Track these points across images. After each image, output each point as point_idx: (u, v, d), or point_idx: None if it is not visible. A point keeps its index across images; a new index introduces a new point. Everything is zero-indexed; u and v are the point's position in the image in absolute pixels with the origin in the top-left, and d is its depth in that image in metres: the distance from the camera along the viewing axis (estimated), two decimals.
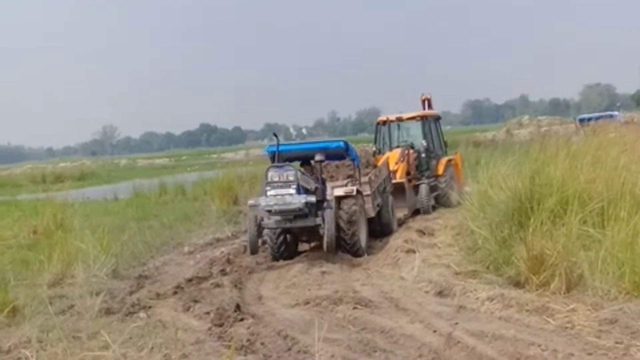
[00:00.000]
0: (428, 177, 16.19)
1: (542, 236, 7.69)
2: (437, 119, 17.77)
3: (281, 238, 11.25)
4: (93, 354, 6.12)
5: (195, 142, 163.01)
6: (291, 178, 10.52)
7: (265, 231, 11.27)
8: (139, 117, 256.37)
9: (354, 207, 11.14)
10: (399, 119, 16.93)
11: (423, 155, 16.48)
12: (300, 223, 10.85)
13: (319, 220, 10.76)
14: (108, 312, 8.22)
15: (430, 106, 17.70)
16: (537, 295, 7.39)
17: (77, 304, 8.20)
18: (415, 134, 16.85)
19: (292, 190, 10.48)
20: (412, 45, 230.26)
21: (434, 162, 16.66)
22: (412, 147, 16.33)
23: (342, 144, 12.02)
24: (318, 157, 11.34)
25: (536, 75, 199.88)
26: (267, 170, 10.73)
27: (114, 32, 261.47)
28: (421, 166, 16.40)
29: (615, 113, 31.13)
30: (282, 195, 10.48)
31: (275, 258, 11.26)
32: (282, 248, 11.28)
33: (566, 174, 8.76)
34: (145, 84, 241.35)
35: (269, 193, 10.57)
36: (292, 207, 10.47)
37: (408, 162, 15.67)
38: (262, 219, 11.03)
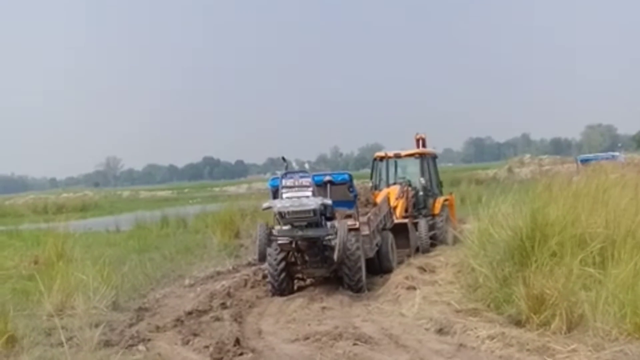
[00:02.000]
0: (425, 216, 16.02)
1: (542, 275, 7.70)
2: (434, 157, 17.73)
3: (283, 273, 11.20)
4: None
5: (198, 175, 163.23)
6: (307, 183, 10.55)
7: (266, 264, 11.27)
8: (142, 149, 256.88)
9: (357, 242, 11.12)
10: (397, 156, 16.82)
11: (421, 193, 16.37)
12: (311, 232, 10.75)
13: (331, 230, 10.75)
14: (107, 344, 8.20)
15: (424, 145, 17.53)
16: (537, 335, 7.36)
17: (77, 335, 8.18)
18: (412, 172, 16.74)
19: (309, 193, 10.49)
20: (415, 83, 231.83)
21: (431, 200, 16.58)
22: (410, 185, 16.20)
23: (347, 176, 11.89)
24: (327, 179, 11.35)
25: (538, 115, 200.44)
26: (282, 176, 10.70)
27: (119, 64, 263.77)
28: (419, 204, 16.24)
29: (617, 154, 31.08)
30: (299, 197, 10.46)
31: (275, 292, 11.21)
32: (284, 282, 11.24)
33: (567, 214, 8.78)
34: (149, 116, 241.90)
35: (284, 196, 10.53)
36: (308, 207, 10.39)
37: (407, 198, 15.56)
38: (272, 227, 11.00)
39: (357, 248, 11.11)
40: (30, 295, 10.44)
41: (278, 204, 10.53)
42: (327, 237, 10.90)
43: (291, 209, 10.44)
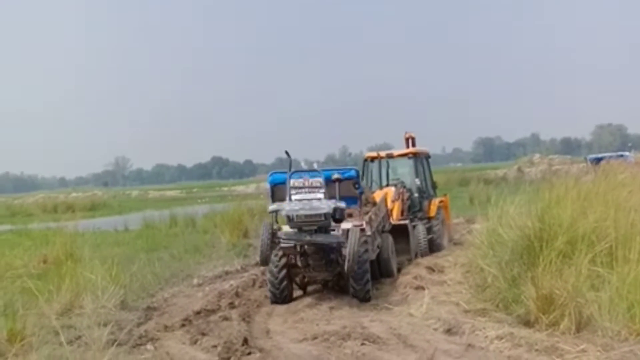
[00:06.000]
0: (421, 219, 15.22)
1: (551, 275, 7.66)
2: (427, 157, 16.87)
3: (285, 281, 10.54)
4: None
5: (207, 175, 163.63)
6: (318, 183, 9.78)
7: (268, 268, 10.62)
8: (151, 149, 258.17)
9: (366, 245, 10.53)
10: (389, 156, 16.12)
11: (416, 194, 15.58)
12: (321, 238, 9.83)
13: (341, 237, 9.92)
14: (115, 343, 8.19)
15: (414, 145, 16.61)
16: (546, 335, 7.33)
17: (85, 334, 8.19)
18: (405, 172, 16.03)
19: (320, 195, 9.69)
20: (422, 83, 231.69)
21: (426, 202, 15.79)
22: (404, 186, 15.36)
23: (354, 172, 11.05)
24: (336, 176, 10.32)
25: (547, 115, 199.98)
26: (290, 175, 9.89)
27: (129, 65, 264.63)
28: (414, 207, 15.42)
29: (627, 153, 31.00)
30: (309, 199, 9.65)
31: (276, 300, 10.57)
32: (285, 290, 10.56)
33: (576, 214, 8.74)
34: (158, 116, 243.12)
35: (294, 197, 9.71)
36: (320, 211, 9.52)
37: (402, 201, 14.75)
38: (278, 229, 10.11)
39: (366, 251, 10.46)
40: (39, 295, 10.45)
41: (287, 207, 9.71)
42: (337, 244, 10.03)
43: (301, 212, 9.59)
